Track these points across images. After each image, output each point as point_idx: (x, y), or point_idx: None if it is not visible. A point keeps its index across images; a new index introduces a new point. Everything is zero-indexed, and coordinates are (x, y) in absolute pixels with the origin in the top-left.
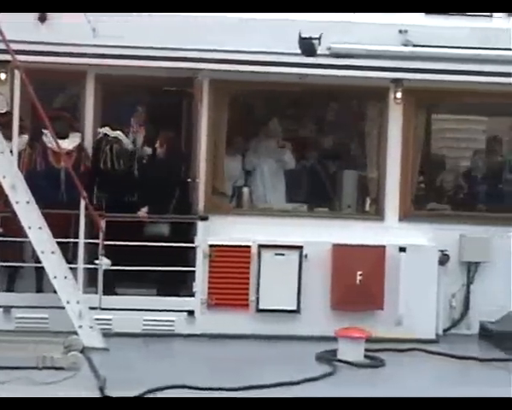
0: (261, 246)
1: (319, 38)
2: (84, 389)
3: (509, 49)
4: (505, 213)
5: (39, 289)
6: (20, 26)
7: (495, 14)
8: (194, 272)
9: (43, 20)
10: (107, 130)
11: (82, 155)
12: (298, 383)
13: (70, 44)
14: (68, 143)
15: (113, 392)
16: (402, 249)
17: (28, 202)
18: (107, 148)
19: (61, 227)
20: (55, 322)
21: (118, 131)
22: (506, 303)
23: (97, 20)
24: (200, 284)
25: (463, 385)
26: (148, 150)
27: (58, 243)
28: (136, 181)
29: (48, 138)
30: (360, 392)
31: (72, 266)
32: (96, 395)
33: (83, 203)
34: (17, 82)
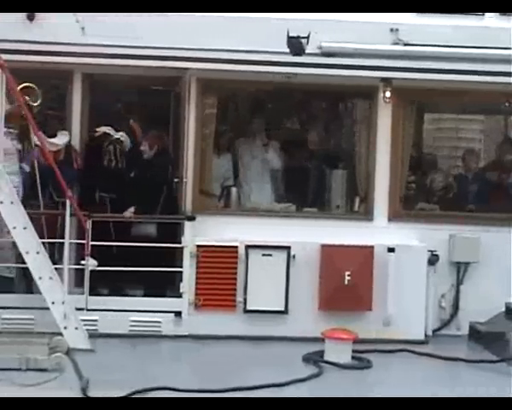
0: (248, 246)
1: (307, 37)
2: (67, 390)
3: (501, 48)
4: (495, 213)
5: (28, 291)
6: (6, 25)
7: (486, 13)
8: (181, 272)
9: (31, 18)
10: (108, 129)
11: (73, 154)
12: (284, 384)
13: (57, 43)
14: (57, 142)
15: (96, 393)
16: (391, 250)
17: (12, 202)
18: (111, 147)
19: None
20: (41, 323)
21: (121, 132)
22: (496, 304)
23: (85, 19)
24: (188, 284)
25: (451, 387)
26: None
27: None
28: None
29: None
30: (346, 394)
31: (58, 266)
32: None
33: (68, 203)
34: (1, 81)
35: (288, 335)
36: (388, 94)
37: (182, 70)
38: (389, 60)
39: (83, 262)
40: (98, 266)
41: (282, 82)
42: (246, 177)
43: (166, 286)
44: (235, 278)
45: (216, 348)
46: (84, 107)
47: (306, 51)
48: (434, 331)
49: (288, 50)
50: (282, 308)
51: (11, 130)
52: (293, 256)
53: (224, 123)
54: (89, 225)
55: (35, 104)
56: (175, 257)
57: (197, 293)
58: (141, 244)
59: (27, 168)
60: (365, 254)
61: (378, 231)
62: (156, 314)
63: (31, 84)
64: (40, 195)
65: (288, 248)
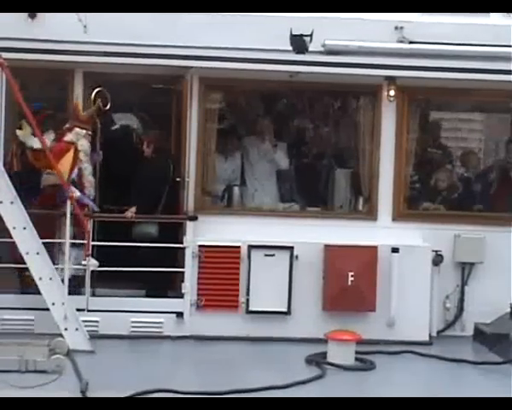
0: (251, 246)
1: (310, 35)
2: (66, 392)
3: (506, 46)
4: (501, 213)
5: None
6: (7, 23)
7: None
8: (183, 272)
9: (33, 16)
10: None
11: None
12: (286, 386)
13: (58, 42)
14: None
15: (95, 396)
16: (394, 250)
17: (12, 203)
18: None
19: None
20: (41, 324)
21: None
22: (501, 305)
23: (87, 17)
24: (190, 285)
25: (455, 388)
26: None
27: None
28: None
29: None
30: (349, 396)
31: (59, 266)
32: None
33: (69, 203)
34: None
35: (291, 336)
36: (393, 92)
37: (184, 68)
38: (394, 58)
39: (84, 262)
40: (100, 266)
41: (285, 81)
42: (250, 177)
43: (168, 287)
44: (238, 279)
45: (218, 349)
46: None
47: (310, 49)
48: (439, 332)
49: (291, 48)
50: (285, 309)
51: (89, 132)
52: (297, 256)
53: (226, 122)
54: (90, 224)
55: (105, 108)
56: (177, 257)
57: (199, 293)
58: (143, 244)
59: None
60: (369, 254)
61: (382, 231)
62: (158, 315)
63: (102, 89)
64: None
65: (291, 248)
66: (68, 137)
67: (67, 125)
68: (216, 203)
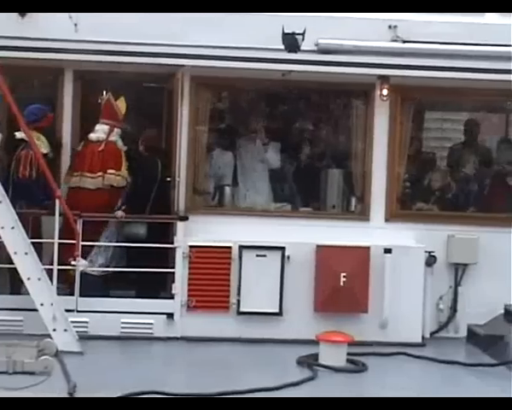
0: (242, 247)
1: (303, 34)
2: (53, 394)
3: (500, 45)
4: (494, 214)
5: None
6: None
7: None
8: (173, 273)
9: (23, 14)
10: None
11: None
12: (277, 388)
13: (47, 40)
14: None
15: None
16: (387, 250)
17: (1, 202)
18: None
19: None
20: (30, 325)
21: None
22: (495, 306)
23: (78, 15)
24: (180, 285)
25: (448, 390)
26: None
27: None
28: None
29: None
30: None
31: (48, 267)
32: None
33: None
34: None
35: (283, 337)
36: (385, 92)
37: (175, 67)
38: (387, 57)
39: (73, 263)
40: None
41: (278, 79)
42: (241, 176)
43: (158, 287)
44: (229, 279)
45: (208, 351)
46: (76, 105)
47: (303, 48)
48: (432, 334)
49: (283, 47)
50: (277, 310)
51: None
52: (288, 257)
53: (218, 121)
54: (79, 224)
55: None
56: (167, 258)
57: (190, 294)
58: (132, 245)
59: None
60: (361, 254)
61: (375, 232)
62: (148, 316)
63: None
64: None
65: (283, 248)
66: (112, 137)
67: (105, 126)
68: (207, 203)
